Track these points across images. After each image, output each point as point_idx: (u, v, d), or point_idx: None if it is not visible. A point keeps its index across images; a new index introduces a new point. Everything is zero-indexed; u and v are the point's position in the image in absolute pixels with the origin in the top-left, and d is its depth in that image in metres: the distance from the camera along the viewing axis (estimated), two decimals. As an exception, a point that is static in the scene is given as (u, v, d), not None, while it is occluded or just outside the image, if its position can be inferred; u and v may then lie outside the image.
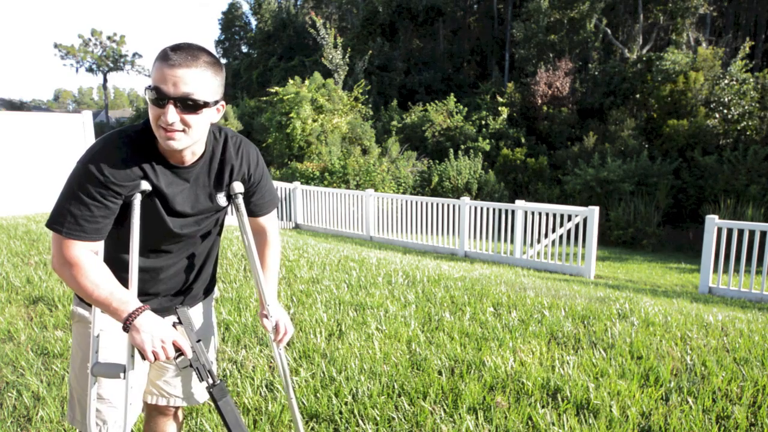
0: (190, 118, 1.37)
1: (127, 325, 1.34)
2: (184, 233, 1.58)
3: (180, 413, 1.90)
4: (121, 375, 1.37)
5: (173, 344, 1.39)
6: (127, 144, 1.43)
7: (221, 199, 1.61)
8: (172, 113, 1.34)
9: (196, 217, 1.58)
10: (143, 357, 1.35)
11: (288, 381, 1.81)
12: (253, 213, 1.74)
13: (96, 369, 1.39)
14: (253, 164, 1.65)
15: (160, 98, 1.33)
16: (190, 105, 1.35)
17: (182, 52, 1.34)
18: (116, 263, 1.52)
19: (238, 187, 1.62)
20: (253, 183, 1.67)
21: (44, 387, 2.78)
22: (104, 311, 1.39)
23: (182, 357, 1.44)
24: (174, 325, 1.50)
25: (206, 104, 1.38)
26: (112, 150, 1.41)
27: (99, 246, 1.47)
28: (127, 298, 1.38)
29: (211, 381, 1.48)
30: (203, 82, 1.36)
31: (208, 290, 1.81)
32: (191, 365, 1.46)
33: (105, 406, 1.56)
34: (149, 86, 1.35)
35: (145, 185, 1.45)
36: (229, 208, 1.73)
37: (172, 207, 1.51)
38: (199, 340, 1.49)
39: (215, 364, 1.88)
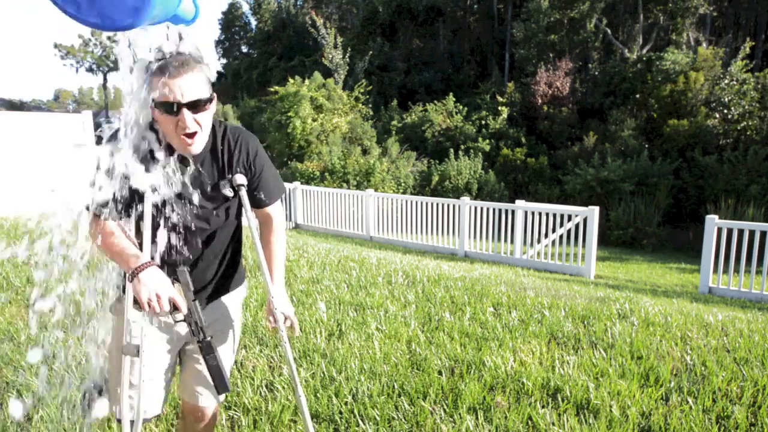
0: (201, 117, 1.51)
1: (132, 275, 1.50)
2: (198, 222, 1.66)
3: (212, 414, 1.89)
4: (136, 351, 1.57)
5: (169, 300, 1.53)
6: None
7: (226, 188, 1.67)
8: (189, 118, 1.47)
9: (207, 204, 1.66)
10: (140, 307, 1.51)
11: (296, 377, 1.81)
12: (257, 204, 1.78)
13: (124, 348, 1.58)
14: (252, 154, 1.70)
15: (174, 107, 1.45)
16: (200, 105, 1.48)
17: (175, 62, 1.45)
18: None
19: (240, 179, 1.68)
20: (254, 173, 1.72)
21: (44, 387, 2.78)
22: (120, 266, 1.58)
23: (178, 312, 1.59)
24: (172, 283, 1.62)
25: (210, 99, 1.52)
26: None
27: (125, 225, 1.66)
28: (138, 254, 1.54)
29: (201, 336, 1.64)
30: (201, 82, 1.49)
31: (236, 284, 1.86)
32: (185, 320, 1.62)
33: (136, 392, 1.65)
34: (157, 101, 1.45)
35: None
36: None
37: (183, 195, 1.61)
38: (195, 300, 1.64)
39: (233, 359, 1.95)
